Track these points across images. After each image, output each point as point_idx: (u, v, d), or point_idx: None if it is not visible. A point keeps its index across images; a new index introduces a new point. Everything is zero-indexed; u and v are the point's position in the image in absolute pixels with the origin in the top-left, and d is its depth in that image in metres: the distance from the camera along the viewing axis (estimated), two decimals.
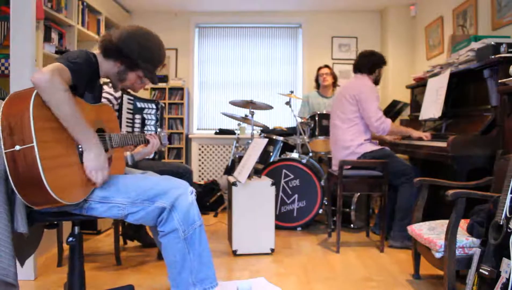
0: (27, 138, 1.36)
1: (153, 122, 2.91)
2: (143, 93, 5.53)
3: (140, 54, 1.77)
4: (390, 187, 3.16)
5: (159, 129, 2.54)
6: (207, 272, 1.72)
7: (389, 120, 3.19)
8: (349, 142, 3.22)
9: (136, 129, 2.83)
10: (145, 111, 2.87)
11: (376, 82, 3.39)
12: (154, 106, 2.91)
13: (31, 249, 1.77)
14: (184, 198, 1.67)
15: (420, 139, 3.22)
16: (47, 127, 1.44)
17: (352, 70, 3.48)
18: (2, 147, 1.39)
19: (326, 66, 4.71)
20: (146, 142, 2.06)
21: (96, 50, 1.81)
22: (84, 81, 1.66)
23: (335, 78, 4.69)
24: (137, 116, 2.83)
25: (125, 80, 1.84)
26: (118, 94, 2.64)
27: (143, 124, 2.84)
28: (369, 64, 3.34)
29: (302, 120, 4.07)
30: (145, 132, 2.82)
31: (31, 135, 1.36)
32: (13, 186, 1.40)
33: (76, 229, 1.72)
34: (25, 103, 1.39)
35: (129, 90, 2.78)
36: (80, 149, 1.57)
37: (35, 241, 1.78)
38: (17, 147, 1.37)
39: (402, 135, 3.42)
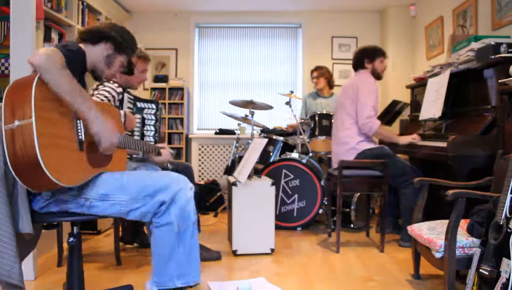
0: (27, 113, 1.38)
1: (152, 122, 2.91)
2: (143, 93, 5.54)
3: (124, 37, 1.92)
4: (389, 187, 3.16)
5: (165, 144, 2.55)
6: (192, 268, 1.74)
7: (378, 122, 3.19)
8: (349, 138, 3.23)
9: (135, 129, 2.83)
10: (145, 111, 2.87)
11: (377, 76, 3.36)
12: (154, 106, 2.92)
13: (29, 249, 1.77)
14: (184, 193, 1.69)
15: (410, 144, 3.22)
16: (48, 108, 1.46)
17: (353, 72, 3.49)
18: (2, 125, 1.40)
19: (316, 68, 4.65)
20: (158, 153, 2.17)
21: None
22: (76, 68, 1.67)
23: (328, 77, 4.64)
24: (137, 116, 2.84)
25: (112, 65, 1.91)
26: (120, 89, 2.62)
27: (143, 123, 2.84)
28: (361, 57, 3.37)
29: (302, 121, 4.07)
30: (145, 132, 2.83)
31: (30, 110, 1.38)
32: (10, 167, 1.40)
33: (75, 229, 1.72)
34: (28, 84, 1.42)
35: (129, 90, 2.79)
36: (80, 137, 1.58)
37: (33, 241, 1.78)
38: (16, 123, 1.37)
39: (388, 141, 3.37)
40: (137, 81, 2.80)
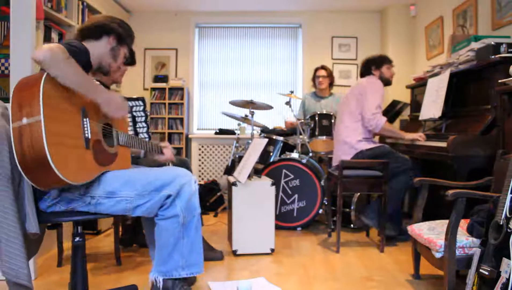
0: (35, 111, 1.37)
1: (143, 119, 2.92)
2: (143, 93, 5.54)
3: (124, 28, 1.94)
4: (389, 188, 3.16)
5: (166, 143, 2.52)
6: (197, 258, 1.77)
7: (384, 118, 3.22)
8: (349, 137, 3.26)
9: (128, 128, 2.83)
10: (134, 109, 2.88)
11: (385, 81, 3.40)
12: (141, 103, 2.93)
13: (34, 249, 1.77)
14: (188, 186, 1.72)
15: (414, 141, 3.23)
16: (56, 106, 1.46)
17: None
18: (11, 122, 1.39)
19: (323, 67, 4.60)
20: (160, 152, 2.14)
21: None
22: (80, 65, 1.67)
23: (331, 78, 4.61)
24: (128, 115, 2.85)
25: (117, 57, 1.93)
26: None
27: (134, 121, 2.85)
28: (368, 65, 3.45)
29: (301, 121, 4.07)
30: (138, 129, 2.84)
31: (39, 107, 1.37)
32: (18, 164, 1.39)
33: (79, 229, 1.72)
34: (36, 81, 1.41)
35: (117, 90, 2.79)
36: (86, 135, 1.58)
37: (38, 241, 1.78)
38: (24, 120, 1.37)
39: (394, 137, 3.40)
40: (119, 74, 2.77)
